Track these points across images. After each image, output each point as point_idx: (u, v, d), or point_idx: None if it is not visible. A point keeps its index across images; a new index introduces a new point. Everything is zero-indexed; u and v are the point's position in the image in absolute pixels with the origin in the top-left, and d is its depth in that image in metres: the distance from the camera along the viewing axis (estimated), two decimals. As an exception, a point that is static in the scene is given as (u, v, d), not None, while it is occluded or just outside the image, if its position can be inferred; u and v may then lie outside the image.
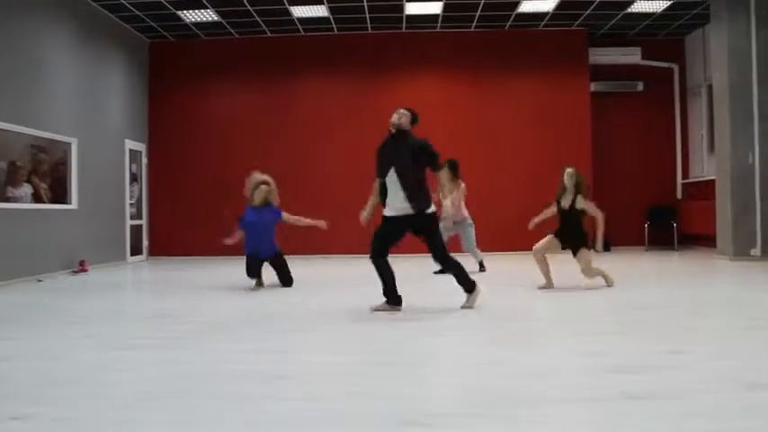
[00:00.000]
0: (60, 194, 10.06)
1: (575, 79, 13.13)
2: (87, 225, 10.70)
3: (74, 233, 10.31)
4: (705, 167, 12.93)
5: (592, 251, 7.19)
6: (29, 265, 9.11)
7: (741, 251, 10.23)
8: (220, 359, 4.15)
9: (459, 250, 9.45)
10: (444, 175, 7.96)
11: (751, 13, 10.19)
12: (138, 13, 11.67)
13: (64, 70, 10.24)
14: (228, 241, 7.97)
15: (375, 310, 5.86)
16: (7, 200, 8.75)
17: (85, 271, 10.24)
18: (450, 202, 8.79)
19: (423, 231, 5.81)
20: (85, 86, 10.92)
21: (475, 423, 2.81)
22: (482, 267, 9.45)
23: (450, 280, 6.10)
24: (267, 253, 7.95)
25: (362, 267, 10.66)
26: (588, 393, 3.20)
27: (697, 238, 12.83)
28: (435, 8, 11.94)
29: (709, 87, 11.92)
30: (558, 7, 11.85)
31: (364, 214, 6.06)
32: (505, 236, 12.06)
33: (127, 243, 12.36)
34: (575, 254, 7.17)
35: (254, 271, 7.97)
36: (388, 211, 5.82)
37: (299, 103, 13.32)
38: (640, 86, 13.51)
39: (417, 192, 5.72)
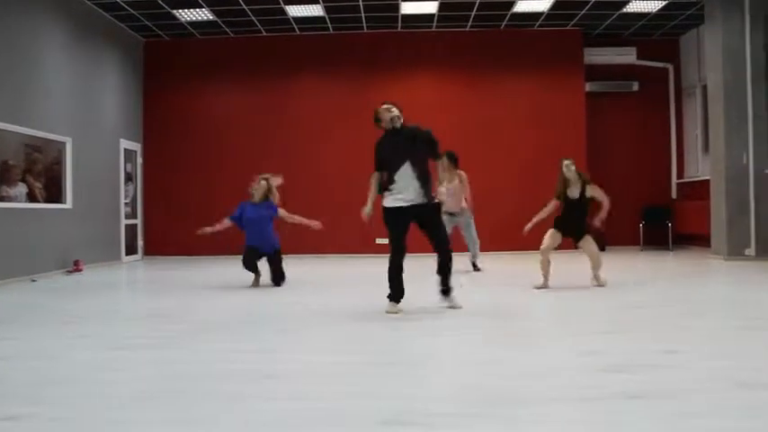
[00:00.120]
0: (55, 194, 10.03)
1: (570, 79, 13.15)
2: (82, 225, 10.67)
3: (68, 233, 10.28)
4: (700, 167, 12.96)
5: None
6: (23, 265, 9.08)
7: (735, 251, 10.26)
8: (216, 359, 4.14)
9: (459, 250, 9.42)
10: (444, 164, 8.41)
11: (745, 13, 10.22)
12: (132, 12, 11.64)
13: (58, 69, 10.21)
14: (208, 230, 8.07)
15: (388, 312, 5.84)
16: (1, 199, 8.72)
17: (80, 271, 10.22)
18: (453, 190, 8.92)
19: (428, 221, 5.83)
20: (80, 86, 10.90)
21: (473, 423, 2.81)
22: (476, 267, 9.43)
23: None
24: (267, 249, 8.00)
25: (358, 267, 10.69)
26: (585, 393, 3.21)
27: (692, 237, 12.86)
28: (431, 8, 11.95)
29: (704, 87, 11.95)
30: (554, 7, 11.87)
31: (367, 210, 5.94)
32: (501, 235, 12.06)
33: (122, 243, 12.33)
34: (577, 241, 7.25)
35: (250, 263, 8.02)
36: (393, 202, 5.77)
37: (295, 103, 13.31)
38: (635, 86, 13.53)
39: (429, 182, 5.85)
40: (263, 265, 8.08)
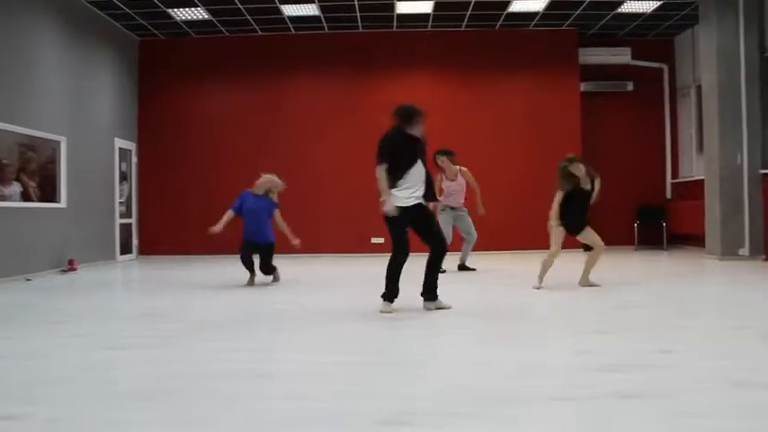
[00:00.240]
0: (49, 193, 10.01)
1: (565, 79, 13.17)
2: (76, 224, 10.65)
3: (63, 232, 10.26)
4: (694, 167, 13.00)
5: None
6: (17, 264, 9.06)
7: (729, 251, 10.29)
8: (211, 358, 4.14)
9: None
10: (446, 161, 9.14)
11: (739, 13, 10.25)
12: (127, 10, 11.62)
13: (53, 68, 10.18)
14: (216, 228, 7.98)
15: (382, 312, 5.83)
16: (-4, 198, 8.71)
17: (75, 270, 10.19)
18: (458, 186, 9.05)
19: (426, 221, 5.86)
20: (75, 84, 10.86)
21: (467, 422, 2.82)
22: (467, 268, 9.41)
23: (445, 280, 6.09)
24: (261, 240, 8.04)
25: (353, 267, 10.69)
26: (579, 392, 3.22)
27: (686, 237, 12.89)
28: (426, 7, 11.95)
29: (699, 87, 11.97)
30: (549, 7, 11.89)
31: (390, 203, 5.71)
32: (495, 235, 12.06)
33: (116, 242, 12.30)
34: (579, 233, 7.24)
35: (247, 259, 8.07)
36: (404, 201, 5.73)
37: (290, 102, 13.30)
38: (630, 86, 13.56)
39: (432, 184, 5.97)
40: (257, 260, 8.13)
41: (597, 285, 7.26)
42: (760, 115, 10.32)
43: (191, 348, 4.46)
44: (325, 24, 12.79)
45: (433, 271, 5.91)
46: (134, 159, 13.19)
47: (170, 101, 13.36)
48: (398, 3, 11.69)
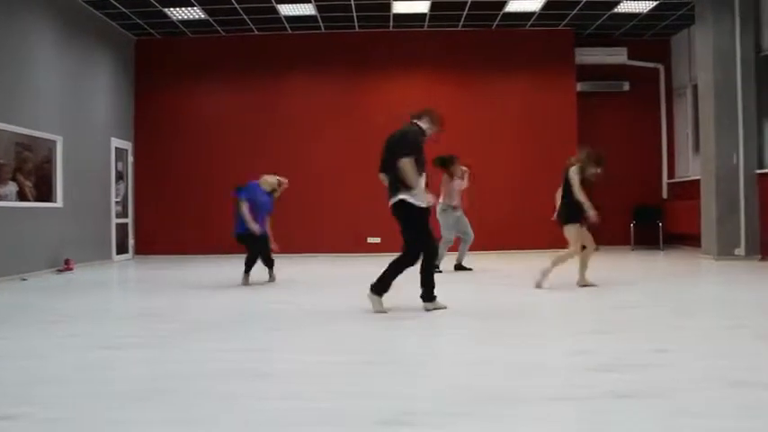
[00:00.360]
0: (45, 193, 9.99)
1: (561, 79, 13.18)
2: (73, 223, 10.63)
3: (59, 231, 10.23)
4: (690, 167, 13.02)
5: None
6: (13, 264, 9.03)
7: (725, 250, 10.31)
8: (208, 358, 4.13)
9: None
10: (456, 164, 9.21)
11: (736, 14, 10.26)
12: (124, 10, 11.59)
13: (49, 67, 10.16)
14: (256, 227, 7.90)
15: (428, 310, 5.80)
16: (-9, 198, 8.69)
17: (71, 270, 10.17)
18: (462, 185, 9.12)
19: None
20: (71, 84, 10.84)
21: (466, 422, 2.81)
22: (464, 268, 9.42)
23: (443, 280, 6.09)
24: (262, 231, 8.04)
25: (349, 267, 10.68)
26: (576, 392, 3.22)
27: (682, 237, 12.91)
28: (423, 7, 11.95)
29: (695, 87, 12.00)
30: (545, 7, 11.89)
31: (428, 196, 5.78)
32: (491, 235, 12.07)
33: (113, 242, 12.28)
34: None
35: (255, 258, 8.07)
36: (425, 203, 5.75)
37: (286, 102, 13.29)
38: (626, 86, 13.58)
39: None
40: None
41: (595, 285, 7.27)
42: (756, 115, 10.34)
43: (187, 348, 4.45)
44: (321, 24, 12.78)
45: (424, 271, 5.88)
46: (130, 159, 13.16)
47: (166, 100, 13.33)
48: (395, 3, 11.69)
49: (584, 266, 7.33)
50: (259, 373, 3.71)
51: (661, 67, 13.75)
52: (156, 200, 13.22)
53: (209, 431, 2.78)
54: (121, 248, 12.66)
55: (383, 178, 5.88)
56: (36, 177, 9.71)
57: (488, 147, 13.01)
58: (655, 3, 11.63)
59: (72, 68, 10.87)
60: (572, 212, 7.09)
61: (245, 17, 12.22)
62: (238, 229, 7.99)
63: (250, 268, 8.09)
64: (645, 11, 12.05)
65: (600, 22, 12.73)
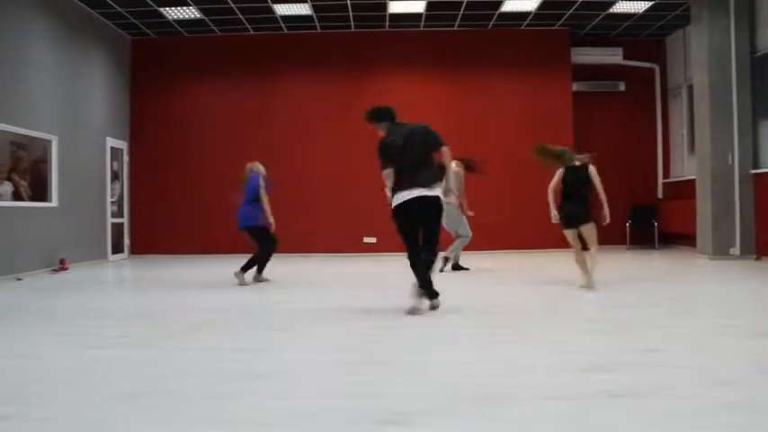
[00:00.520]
0: (40, 192, 9.96)
1: (557, 79, 13.20)
2: (68, 223, 10.61)
3: (54, 231, 10.21)
4: (685, 167, 13.05)
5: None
6: (8, 264, 9.01)
7: (720, 250, 10.34)
8: (204, 357, 4.13)
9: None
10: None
11: (731, 14, 10.29)
12: (119, 9, 11.58)
13: (45, 67, 10.14)
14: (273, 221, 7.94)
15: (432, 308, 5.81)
16: (-14, 197, 8.67)
17: (66, 269, 10.15)
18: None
19: None
20: (66, 83, 10.82)
21: (462, 422, 2.82)
22: (461, 267, 9.41)
23: (440, 279, 6.09)
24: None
25: (345, 266, 10.68)
26: (567, 391, 3.22)
27: (677, 237, 12.95)
28: (418, 7, 11.96)
29: (690, 88, 12.03)
30: (541, 7, 11.91)
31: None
32: (487, 235, 12.06)
33: (108, 241, 12.26)
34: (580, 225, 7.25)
35: (269, 256, 8.12)
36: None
37: (282, 102, 13.28)
38: (622, 86, 13.61)
39: None
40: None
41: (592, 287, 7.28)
42: (751, 115, 10.37)
43: (183, 348, 4.45)
44: (317, 24, 12.78)
45: (428, 269, 5.89)
46: (126, 158, 13.14)
47: (162, 100, 13.32)
48: (391, 2, 11.69)
49: (593, 267, 7.29)
50: (257, 373, 3.70)
51: (656, 68, 13.78)
52: (151, 199, 13.20)
53: (206, 431, 2.78)
54: (117, 248, 12.64)
55: (387, 174, 5.80)
56: (31, 177, 9.69)
57: (484, 146, 12.97)
58: (650, 3, 11.66)
59: (67, 68, 10.85)
60: (590, 211, 7.13)
61: (240, 17, 12.22)
62: (251, 222, 7.89)
63: (264, 266, 8.06)
64: (640, 11, 12.07)
65: (595, 22, 12.75)
